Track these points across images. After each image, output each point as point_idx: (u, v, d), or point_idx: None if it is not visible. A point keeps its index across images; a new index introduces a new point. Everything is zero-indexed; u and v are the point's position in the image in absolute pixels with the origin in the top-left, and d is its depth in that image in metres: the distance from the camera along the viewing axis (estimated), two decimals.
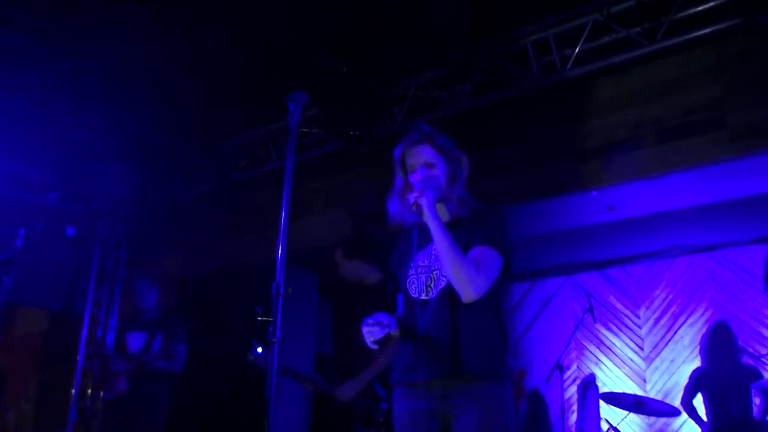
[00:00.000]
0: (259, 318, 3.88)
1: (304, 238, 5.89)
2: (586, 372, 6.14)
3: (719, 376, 4.96)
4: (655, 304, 6.05)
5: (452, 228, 2.39)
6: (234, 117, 5.76)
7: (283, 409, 2.09)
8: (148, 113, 5.51)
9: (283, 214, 2.28)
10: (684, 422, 5.47)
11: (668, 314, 5.97)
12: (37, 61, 4.83)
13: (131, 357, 5.05)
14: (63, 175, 6.51)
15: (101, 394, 5.24)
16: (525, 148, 4.98)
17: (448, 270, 2.28)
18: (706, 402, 5.02)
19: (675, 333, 5.90)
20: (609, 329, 6.18)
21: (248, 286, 4.54)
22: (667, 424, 5.59)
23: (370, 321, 2.32)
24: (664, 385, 5.80)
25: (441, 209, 2.47)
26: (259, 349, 4.12)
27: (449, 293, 2.32)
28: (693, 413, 5.04)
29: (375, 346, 2.32)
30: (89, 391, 6.58)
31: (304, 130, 5.53)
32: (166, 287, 6.14)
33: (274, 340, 2.15)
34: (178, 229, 6.93)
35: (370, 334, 2.31)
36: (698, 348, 5.48)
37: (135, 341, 5.14)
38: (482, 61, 4.86)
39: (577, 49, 4.50)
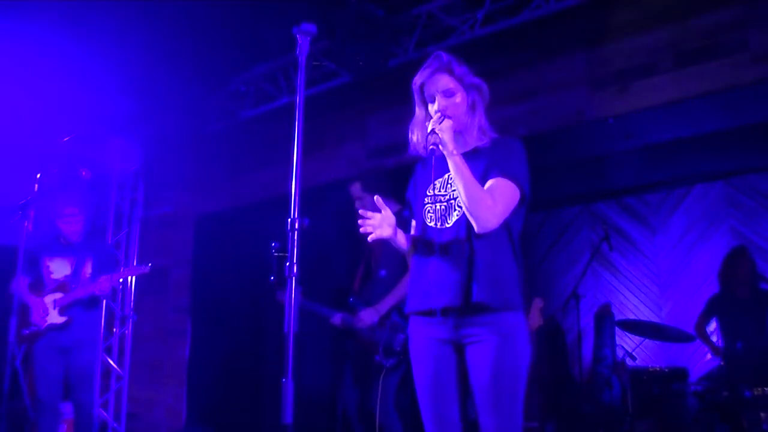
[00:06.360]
0: (276, 254, 3.91)
1: (318, 173, 5.89)
2: (602, 300, 6.18)
3: (735, 302, 4.97)
4: (672, 231, 6.03)
5: (470, 158, 2.38)
6: (242, 51, 5.67)
7: (303, 343, 2.12)
8: (156, 52, 5.43)
9: (296, 149, 2.26)
10: (699, 347, 5.52)
11: (685, 241, 5.95)
12: None
13: (59, 285, 4.62)
14: (76, 117, 6.49)
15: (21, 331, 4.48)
16: (539, 75, 4.88)
17: (464, 201, 2.28)
18: (720, 327, 5.04)
19: (691, 260, 5.89)
20: (625, 258, 6.18)
21: (265, 223, 4.56)
22: (683, 350, 5.65)
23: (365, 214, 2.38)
24: (680, 311, 5.83)
25: (459, 139, 2.45)
26: None
27: (465, 223, 2.32)
28: (706, 339, 5.08)
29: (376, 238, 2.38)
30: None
31: (314, 63, 5.44)
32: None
33: (291, 275, 2.16)
34: (193, 167, 6.94)
35: (372, 227, 2.36)
36: (714, 274, 5.48)
37: (60, 268, 4.72)
38: None
39: None
